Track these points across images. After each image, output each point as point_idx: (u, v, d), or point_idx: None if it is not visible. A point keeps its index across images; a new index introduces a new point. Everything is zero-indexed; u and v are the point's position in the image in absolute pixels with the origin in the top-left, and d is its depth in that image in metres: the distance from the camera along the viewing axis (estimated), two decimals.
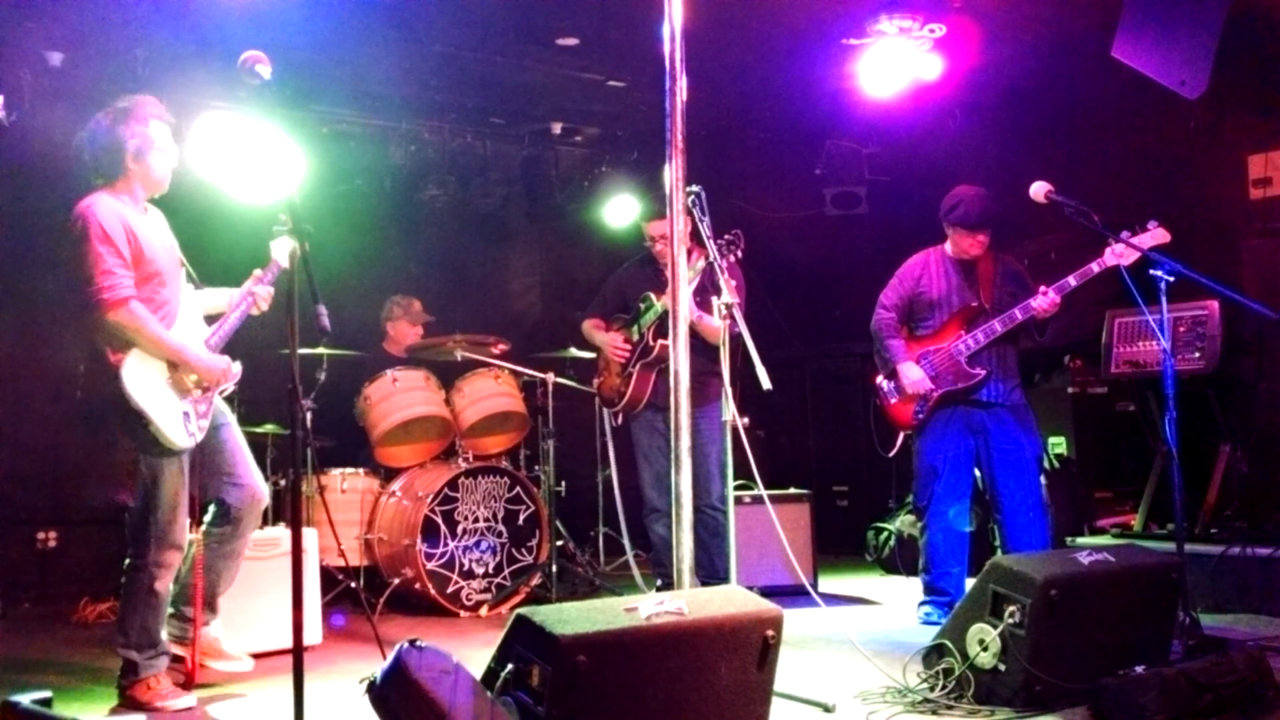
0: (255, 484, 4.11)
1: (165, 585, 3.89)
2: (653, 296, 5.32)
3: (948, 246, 5.19)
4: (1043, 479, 5.95)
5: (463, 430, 6.00)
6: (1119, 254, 4.60)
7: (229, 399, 4.24)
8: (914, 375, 5.08)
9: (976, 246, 5.09)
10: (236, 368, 4.05)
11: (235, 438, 4.11)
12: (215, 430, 4.03)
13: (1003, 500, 5.03)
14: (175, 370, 3.86)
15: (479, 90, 7.00)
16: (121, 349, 3.77)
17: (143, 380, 3.77)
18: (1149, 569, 3.79)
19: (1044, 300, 4.79)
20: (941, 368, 5.04)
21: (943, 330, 5.10)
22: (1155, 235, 4.58)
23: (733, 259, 4.60)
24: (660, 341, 5.21)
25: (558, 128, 7.69)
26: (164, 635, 3.92)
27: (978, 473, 5.18)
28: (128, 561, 3.88)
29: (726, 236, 4.56)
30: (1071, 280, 4.77)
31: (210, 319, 4.14)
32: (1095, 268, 4.70)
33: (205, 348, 3.98)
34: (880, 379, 5.25)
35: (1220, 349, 5.26)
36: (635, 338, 5.46)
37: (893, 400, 5.18)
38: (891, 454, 5.26)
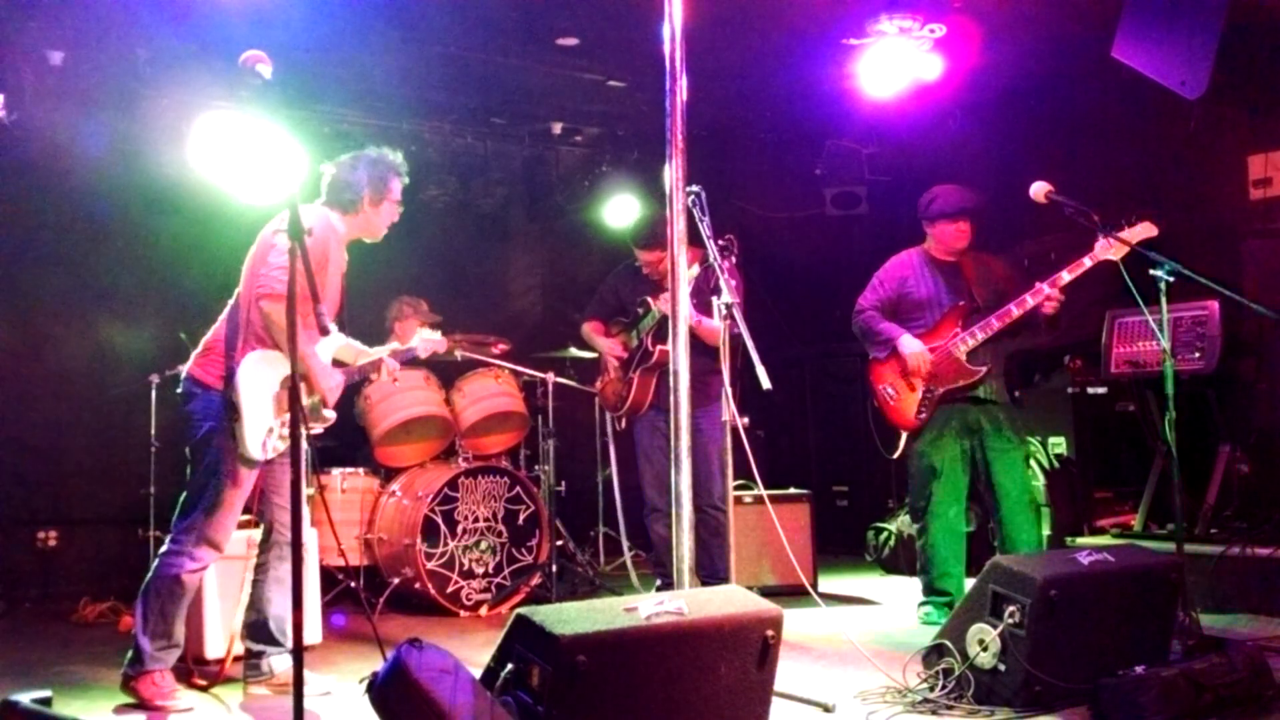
0: (300, 514, 4.12)
1: (193, 579, 3.89)
2: (650, 301, 5.33)
3: (928, 246, 5.22)
4: (1041, 479, 5.96)
5: (463, 430, 6.00)
6: (1108, 247, 4.59)
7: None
8: (915, 346, 5.07)
9: (961, 238, 5.11)
10: (330, 414, 4.10)
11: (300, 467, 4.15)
12: (289, 452, 4.05)
13: (999, 499, 5.03)
14: (284, 388, 3.89)
15: (479, 90, 7.00)
16: (253, 346, 3.85)
17: (253, 381, 3.83)
18: (1149, 569, 3.79)
19: (1044, 297, 4.80)
20: (941, 366, 5.04)
21: (937, 328, 5.10)
22: (1144, 228, 4.58)
23: (728, 264, 4.60)
24: (660, 347, 5.21)
25: (558, 128, 7.68)
26: (179, 629, 3.91)
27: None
28: (164, 547, 3.89)
29: (720, 242, 4.56)
30: (1065, 274, 4.78)
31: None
32: (1087, 262, 4.70)
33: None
34: (883, 386, 5.22)
35: (1220, 349, 5.25)
36: (634, 343, 5.46)
37: (892, 403, 5.18)
38: (896, 455, 5.24)
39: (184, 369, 3.99)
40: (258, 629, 4.09)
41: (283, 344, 3.82)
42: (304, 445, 4.10)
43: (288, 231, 2.99)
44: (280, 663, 4.05)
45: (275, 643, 4.08)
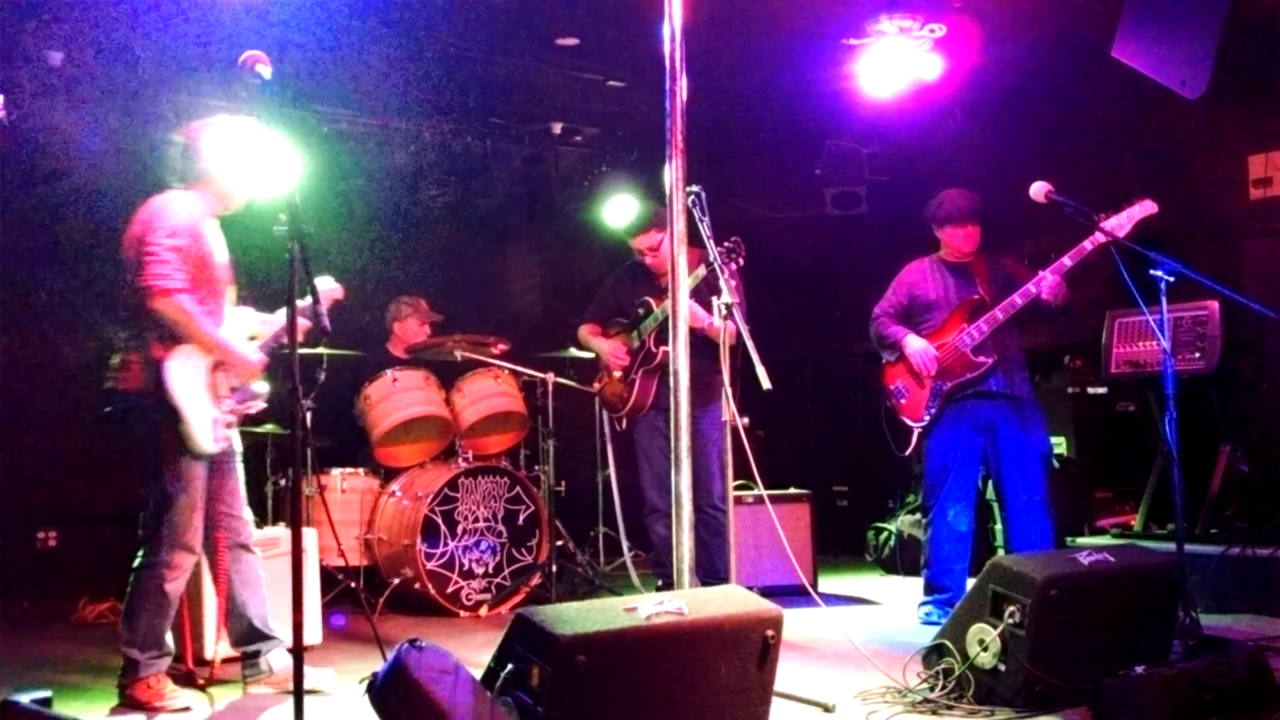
0: (244, 516, 4.13)
1: (175, 587, 3.88)
2: (652, 302, 5.31)
3: (940, 251, 5.23)
4: None
5: (463, 430, 6.00)
6: (1110, 229, 4.58)
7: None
8: (918, 345, 5.08)
9: (969, 241, 5.11)
10: (264, 387, 4.09)
11: (239, 469, 4.14)
12: (228, 456, 4.05)
13: (1008, 499, 5.02)
14: (213, 375, 3.88)
15: (479, 90, 6.99)
16: (168, 345, 3.79)
17: (184, 379, 3.79)
18: (1149, 569, 3.78)
19: (1046, 284, 4.79)
20: (948, 362, 5.04)
21: (945, 326, 5.10)
22: (1142, 207, 4.57)
23: (733, 267, 4.60)
24: (662, 348, 5.20)
25: (558, 128, 7.68)
26: (169, 637, 3.91)
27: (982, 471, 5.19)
28: (138, 560, 3.88)
29: (726, 244, 4.56)
30: (1066, 260, 4.76)
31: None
32: (1088, 245, 4.68)
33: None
34: (894, 386, 5.22)
35: (1220, 349, 5.25)
36: (635, 344, 5.45)
37: (903, 401, 5.18)
38: (908, 453, 5.23)
39: (107, 387, 3.91)
40: (245, 632, 4.07)
41: (188, 337, 3.79)
42: (234, 440, 4.10)
43: (287, 232, 2.98)
44: (278, 659, 4.03)
45: (266, 638, 4.06)
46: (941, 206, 5.13)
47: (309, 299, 4.17)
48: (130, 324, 3.87)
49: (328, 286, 4.31)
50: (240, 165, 4.00)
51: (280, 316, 4.17)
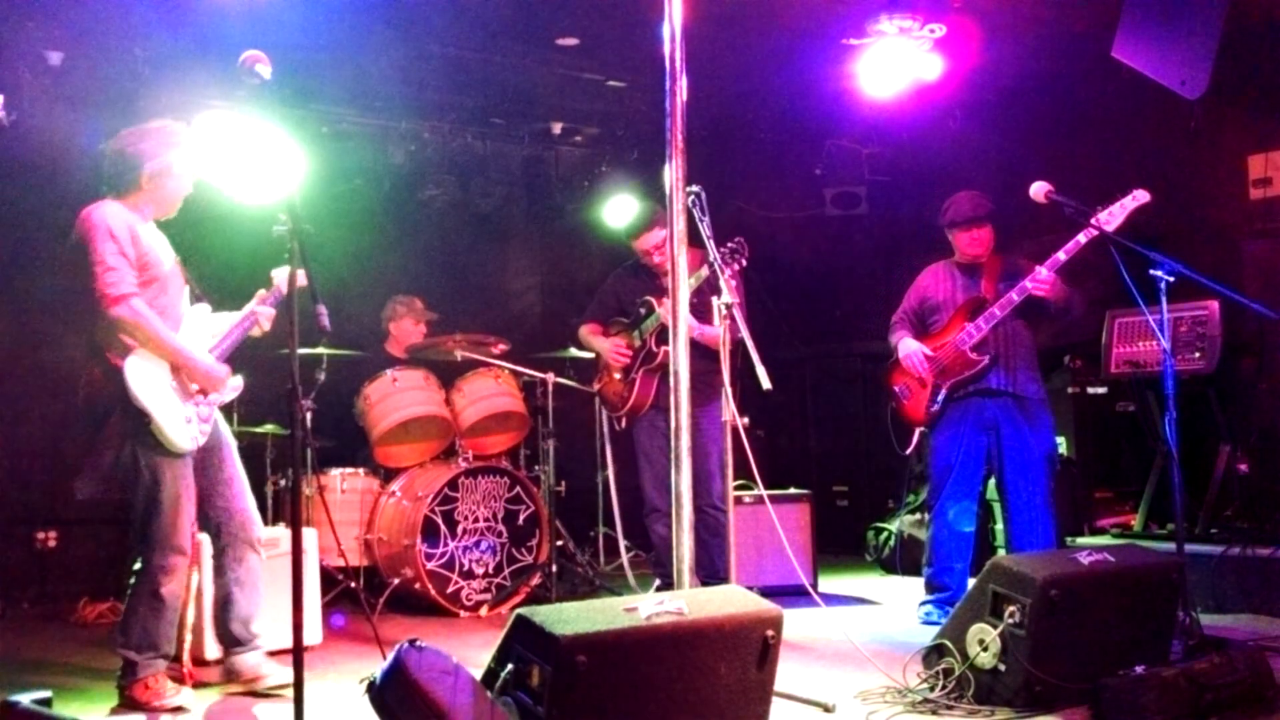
0: (248, 510, 4.11)
1: (170, 590, 3.87)
2: (653, 302, 5.31)
3: (954, 255, 5.24)
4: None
5: (463, 430, 5.99)
6: (1102, 221, 4.57)
7: (226, 407, 4.23)
8: (909, 348, 5.12)
9: (978, 244, 5.11)
10: (238, 380, 4.08)
11: (234, 463, 4.12)
12: (215, 451, 4.04)
13: (1009, 499, 5.03)
14: (178, 373, 3.88)
15: (479, 90, 7.00)
16: (124, 350, 3.78)
17: (146, 379, 3.78)
18: (1149, 569, 3.79)
19: (1040, 278, 4.78)
20: (948, 361, 5.04)
21: (948, 325, 5.11)
22: (1135, 197, 4.58)
23: (736, 268, 4.59)
24: (664, 348, 5.19)
25: (558, 128, 7.68)
26: (164, 641, 3.91)
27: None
28: (137, 565, 3.88)
29: (730, 245, 4.56)
30: (1060, 255, 4.76)
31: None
32: (1082, 238, 4.68)
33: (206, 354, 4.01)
34: (897, 386, 5.22)
35: (1220, 349, 5.25)
36: (637, 343, 5.45)
37: (906, 401, 5.18)
38: (908, 451, 5.24)
39: (81, 396, 3.90)
40: (225, 633, 4.08)
41: (143, 342, 3.78)
42: (225, 433, 4.09)
43: (287, 231, 2.98)
44: (247, 660, 4.04)
45: (241, 643, 4.06)
46: (949, 210, 5.15)
47: (279, 282, 4.15)
48: (92, 333, 3.86)
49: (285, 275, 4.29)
50: (176, 169, 3.97)
51: (237, 315, 4.16)
